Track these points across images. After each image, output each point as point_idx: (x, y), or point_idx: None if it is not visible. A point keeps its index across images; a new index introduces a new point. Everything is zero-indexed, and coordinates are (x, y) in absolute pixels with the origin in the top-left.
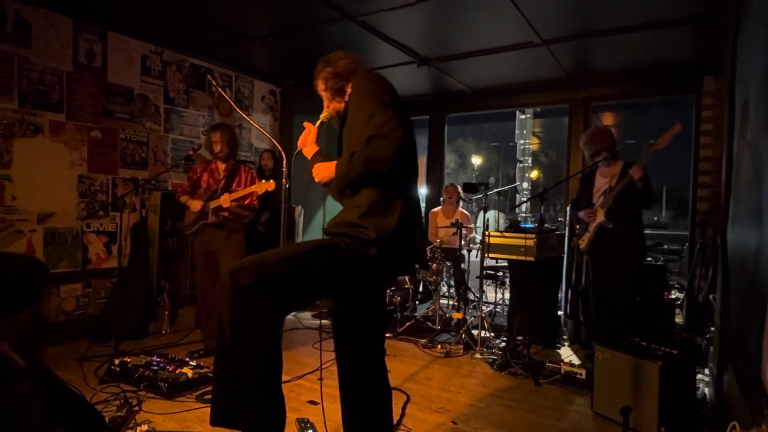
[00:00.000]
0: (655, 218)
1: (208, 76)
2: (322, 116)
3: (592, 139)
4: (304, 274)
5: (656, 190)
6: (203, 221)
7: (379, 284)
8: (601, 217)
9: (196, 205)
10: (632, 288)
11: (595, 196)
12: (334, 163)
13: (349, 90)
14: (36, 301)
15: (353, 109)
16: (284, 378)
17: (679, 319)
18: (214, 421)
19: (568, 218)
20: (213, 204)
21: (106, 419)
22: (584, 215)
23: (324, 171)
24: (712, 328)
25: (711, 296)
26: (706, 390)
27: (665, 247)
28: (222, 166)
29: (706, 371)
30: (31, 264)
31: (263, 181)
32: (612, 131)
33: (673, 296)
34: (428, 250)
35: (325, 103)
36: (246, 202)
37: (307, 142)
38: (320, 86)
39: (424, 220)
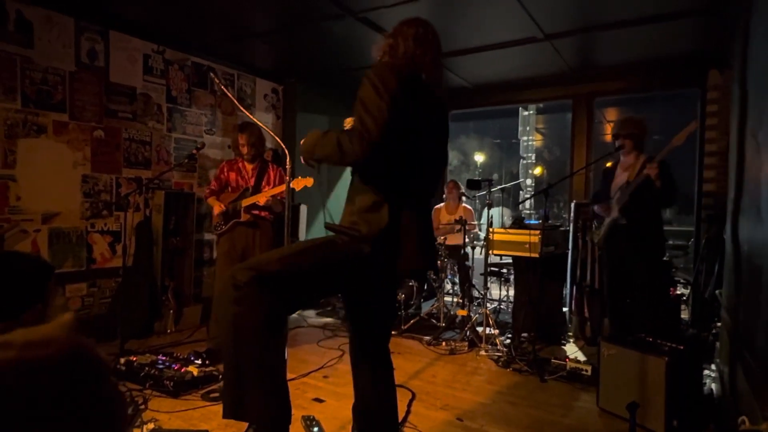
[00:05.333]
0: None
1: (212, 74)
2: None
3: (616, 122)
4: (302, 272)
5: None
6: (236, 220)
7: (380, 281)
8: (615, 212)
9: (217, 208)
10: (647, 286)
11: (613, 190)
12: (317, 132)
13: None
14: (42, 300)
15: None
16: (289, 376)
17: (684, 315)
18: (225, 415)
19: (572, 213)
20: (246, 202)
21: None
22: (599, 210)
23: (307, 139)
24: (719, 324)
25: (717, 291)
26: (713, 385)
27: (670, 242)
28: (249, 166)
29: (713, 367)
30: (36, 263)
31: (299, 177)
32: (643, 121)
33: (678, 292)
34: None
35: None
36: (279, 196)
37: None
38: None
39: None
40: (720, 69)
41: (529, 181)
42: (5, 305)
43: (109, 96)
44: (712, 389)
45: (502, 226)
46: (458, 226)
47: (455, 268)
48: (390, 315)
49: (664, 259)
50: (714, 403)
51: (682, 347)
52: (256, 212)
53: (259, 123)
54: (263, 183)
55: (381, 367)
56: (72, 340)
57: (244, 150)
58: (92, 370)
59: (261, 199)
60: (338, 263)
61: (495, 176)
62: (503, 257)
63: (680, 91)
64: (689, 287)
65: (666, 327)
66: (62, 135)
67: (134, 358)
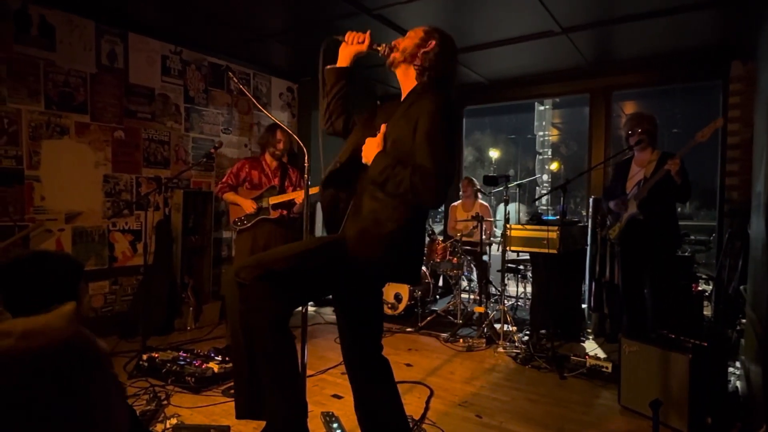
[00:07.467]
0: (679, 209)
1: (230, 73)
2: (381, 47)
3: (631, 118)
4: (305, 271)
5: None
6: (263, 216)
7: (378, 285)
8: (633, 208)
9: (248, 205)
10: (662, 281)
11: (629, 186)
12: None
13: (416, 78)
14: (76, 298)
15: (417, 112)
16: (307, 372)
17: (707, 311)
18: (239, 415)
19: (591, 209)
20: (276, 200)
21: (137, 412)
22: (615, 206)
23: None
24: (743, 320)
25: (741, 287)
26: (738, 383)
27: (692, 237)
28: (274, 164)
29: (737, 364)
30: (68, 262)
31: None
32: (655, 117)
33: (700, 288)
34: (449, 244)
35: (395, 43)
36: None
37: (353, 46)
38: (411, 37)
39: (444, 215)
40: (743, 60)
41: (545, 177)
42: (40, 304)
43: (129, 97)
44: (737, 387)
45: (519, 222)
46: (475, 223)
47: (472, 265)
48: (381, 311)
49: (686, 254)
50: (739, 401)
51: (705, 344)
52: (283, 210)
53: (277, 122)
54: (286, 183)
55: (382, 368)
56: (71, 330)
57: (280, 146)
58: (89, 358)
59: (298, 197)
60: (345, 263)
61: (511, 172)
62: (520, 254)
63: (700, 84)
64: (711, 283)
65: (685, 322)
66: (84, 136)
67: (156, 355)
